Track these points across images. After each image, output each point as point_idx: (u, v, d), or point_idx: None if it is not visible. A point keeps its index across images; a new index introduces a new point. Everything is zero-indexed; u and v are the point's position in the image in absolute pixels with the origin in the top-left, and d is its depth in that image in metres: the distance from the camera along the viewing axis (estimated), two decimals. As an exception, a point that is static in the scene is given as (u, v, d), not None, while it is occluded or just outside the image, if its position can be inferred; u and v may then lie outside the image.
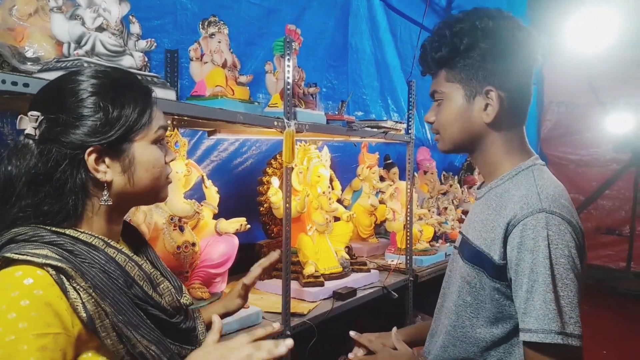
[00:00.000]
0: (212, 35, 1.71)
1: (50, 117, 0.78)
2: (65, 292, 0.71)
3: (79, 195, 0.79)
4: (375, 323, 1.59)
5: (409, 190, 2.55)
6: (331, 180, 2.36)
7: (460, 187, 3.64)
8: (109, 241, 0.81)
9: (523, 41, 0.98)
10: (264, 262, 1.21)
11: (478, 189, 1.13)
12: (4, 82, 0.96)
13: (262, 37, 2.57)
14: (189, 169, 1.66)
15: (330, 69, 3.21)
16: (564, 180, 1.02)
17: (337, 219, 2.35)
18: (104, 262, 0.77)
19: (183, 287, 0.96)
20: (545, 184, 0.95)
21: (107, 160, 0.81)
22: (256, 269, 1.19)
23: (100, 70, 0.85)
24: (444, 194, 3.37)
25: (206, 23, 1.72)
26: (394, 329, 1.25)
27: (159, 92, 1.24)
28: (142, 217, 1.52)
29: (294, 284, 1.98)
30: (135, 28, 1.29)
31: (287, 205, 1.73)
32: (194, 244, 1.64)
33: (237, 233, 1.78)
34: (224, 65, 1.70)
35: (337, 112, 2.32)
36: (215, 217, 1.80)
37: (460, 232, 1.13)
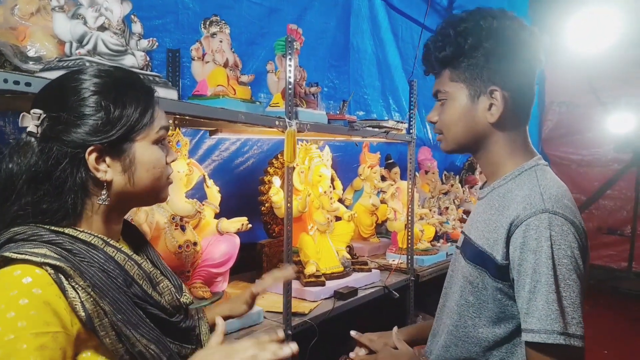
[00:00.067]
0: (213, 34, 1.71)
1: (52, 116, 0.78)
2: (63, 291, 0.71)
3: (78, 194, 0.79)
4: (376, 323, 1.59)
5: (410, 190, 2.55)
6: (332, 180, 2.36)
7: (462, 187, 3.64)
8: (108, 240, 0.81)
9: (527, 41, 0.98)
10: (278, 276, 1.22)
11: (480, 189, 1.12)
12: (5, 81, 0.96)
13: (264, 37, 2.57)
14: (190, 168, 1.66)
15: (332, 69, 3.21)
16: (566, 180, 1.02)
17: (338, 218, 2.35)
18: (103, 261, 0.76)
19: (183, 286, 0.96)
20: (548, 184, 0.95)
21: (107, 159, 0.81)
22: (268, 280, 1.21)
23: (103, 69, 0.85)
24: (445, 193, 3.37)
25: (208, 22, 1.72)
26: (395, 328, 1.25)
27: (160, 92, 1.23)
28: (144, 216, 1.52)
29: (295, 284, 1.98)
30: (137, 27, 1.30)
31: (289, 204, 1.73)
32: (195, 244, 1.64)
33: (238, 232, 1.78)
34: (225, 65, 1.70)
35: (338, 112, 2.32)
36: (217, 216, 1.80)
37: (462, 232, 1.13)
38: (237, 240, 1.77)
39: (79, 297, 0.71)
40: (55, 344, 0.67)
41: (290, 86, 1.70)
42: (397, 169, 3.12)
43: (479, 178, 3.89)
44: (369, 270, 2.36)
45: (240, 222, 1.77)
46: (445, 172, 3.64)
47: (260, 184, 2.25)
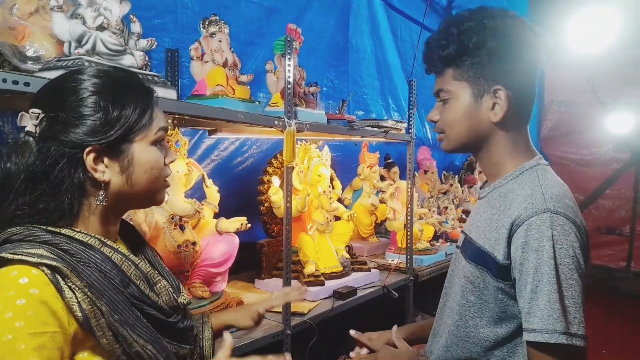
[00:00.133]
0: (212, 34, 1.71)
1: (51, 115, 0.77)
2: (60, 291, 0.70)
3: (75, 194, 0.79)
4: (375, 322, 1.59)
5: (409, 190, 2.55)
6: (332, 180, 2.36)
7: (461, 187, 3.64)
8: (105, 240, 0.81)
9: (530, 40, 0.98)
10: (290, 294, 1.23)
11: (481, 188, 1.12)
12: (4, 81, 0.96)
13: (263, 37, 2.57)
14: (189, 168, 1.66)
15: (331, 68, 3.21)
16: (565, 179, 1.02)
17: (337, 218, 2.35)
18: (99, 262, 0.76)
19: (181, 286, 0.96)
20: (549, 184, 0.95)
21: (105, 160, 0.81)
22: (279, 298, 1.22)
23: (102, 69, 0.85)
24: (445, 193, 3.37)
25: (207, 22, 1.72)
26: (395, 327, 1.25)
27: (159, 91, 1.23)
28: (143, 216, 1.52)
29: (294, 283, 1.98)
30: (136, 27, 1.29)
31: (288, 204, 1.73)
32: (194, 243, 1.64)
33: (237, 232, 1.78)
34: (224, 65, 1.70)
35: (337, 112, 2.32)
36: (216, 216, 1.80)
37: (462, 232, 1.13)
38: (237, 240, 1.77)
39: (76, 298, 0.71)
40: (53, 343, 0.67)
41: (289, 86, 1.70)
42: (396, 169, 3.12)
43: (478, 178, 3.89)
44: (368, 270, 2.36)
45: (239, 222, 1.77)
46: (444, 172, 3.64)
47: (260, 184, 2.25)
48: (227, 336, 0.89)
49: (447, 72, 1.02)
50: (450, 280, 1.12)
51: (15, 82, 0.97)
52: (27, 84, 0.98)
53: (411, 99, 2.52)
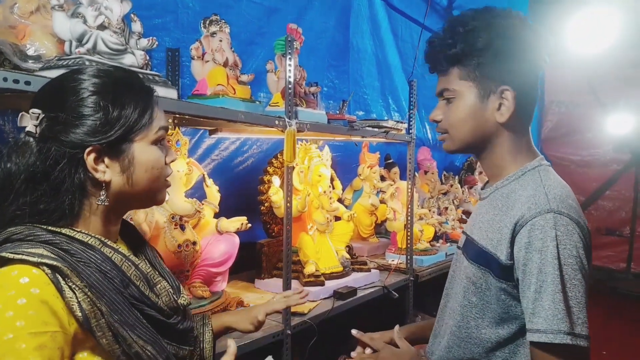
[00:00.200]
0: (213, 34, 1.71)
1: (51, 116, 0.77)
2: (60, 291, 0.70)
3: (76, 194, 0.79)
4: (375, 323, 1.59)
5: (409, 190, 2.55)
6: (332, 180, 2.36)
7: (461, 187, 3.64)
8: (105, 240, 0.80)
9: (534, 41, 0.98)
10: (291, 298, 1.25)
11: (482, 189, 1.12)
12: (5, 80, 0.96)
13: (264, 36, 2.57)
14: (190, 167, 1.66)
15: (332, 69, 3.21)
16: (565, 180, 1.02)
17: (337, 218, 2.35)
18: (100, 262, 0.76)
19: (181, 287, 0.96)
20: (552, 184, 0.95)
21: (106, 160, 0.80)
22: (280, 302, 1.22)
23: (102, 69, 0.85)
24: (445, 193, 3.37)
25: (207, 22, 1.72)
26: (397, 326, 1.24)
27: (160, 91, 1.23)
28: (143, 216, 1.52)
29: (294, 283, 1.98)
30: (136, 26, 1.29)
31: (288, 204, 1.73)
32: (194, 243, 1.64)
33: (237, 232, 1.78)
34: (225, 64, 1.70)
35: (338, 112, 2.32)
36: (216, 216, 1.80)
37: (463, 233, 1.13)
38: (237, 239, 1.77)
39: (76, 298, 0.71)
40: (54, 343, 0.67)
41: (290, 86, 1.70)
42: (396, 169, 3.12)
43: (478, 178, 3.89)
44: (368, 270, 2.36)
45: (239, 222, 1.77)
46: (444, 172, 3.65)
47: (260, 184, 2.25)
48: (231, 343, 0.89)
49: (453, 72, 1.01)
50: (452, 281, 1.12)
51: (16, 81, 0.97)
52: (27, 83, 0.98)
53: (412, 99, 2.52)
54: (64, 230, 0.77)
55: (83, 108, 0.78)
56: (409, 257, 2.54)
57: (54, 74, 0.92)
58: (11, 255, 0.70)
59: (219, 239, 1.73)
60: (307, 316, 1.82)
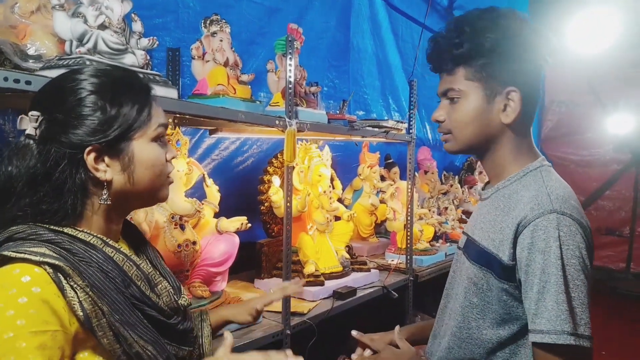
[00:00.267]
0: (214, 33, 1.71)
1: (50, 117, 0.77)
2: (62, 290, 0.70)
3: (77, 194, 0.79)
4: (375, 323, 1.59)
5: (409, 190, 2.55)
6: (332, 180, 2.36)
7: (461, 187, 3.64)
8: (107, 240, 0.81)
9: (538, 41, 0.98)
10: (288, 288, 1.25)
11: (482, 189, 1.12)
12: (6, 79, 0.96)
13: (264, 36, 2.57)
14: (190, 167, 1.66)
15: (332, 68, 3.21)
16: (565, 180, 1.02)
17: (337, 218, 2.35)
18: (101, 261, 0.76)
19: (182, 287, 0.96)
20: (554, 185, 0.95)
21: (106, 159, 0.81)
22: (277, 294, 1.22)
23: (100, 68, 0.85)
24: (445, 193, 3.37)
25: (208, 21, 1.72)
26: (397, 327, 1.24)
27: (160, 91, 1.24)
28: (143, 215, 1.52)
29: (292, 280, 1.98)
30: (137, 26, 1.29)
31: (288, 204, 1.73)
32: (194, 243, 1.64)
33: (237, 232, 1.78)
34: (225, 64, 1.70)
35: (338, 112, 2.32)
36: (216, 215, 1.80)
37: (464, 233, 1.13)
38: (237, 239, 1.77)
39: (77, 297, 0.71)
40: (55, 342, 0.67)
41: (290, 85, 1.70)
42: (396, 169, 3.12)
43: (478, 178, 3.89)
44: (368, 270, 2.36)
45: (239, 222, 1.77)
46: (444, 172, 3.64)
47: (260, 184, 2.25)
48: (228, 335, 0.88)
49: (458, 72, 1.00)
50: (452, 281, 1.12)
51: (17, 81, 0.97)
52: (28, 83, 0.98)
53: (412, 99, 2.52)
54: (66, 230, 0.77)
55: (81, 108, 0.78)
56: (408, 257, 2.54)
57: (54, 73, 0.91)
58: (13, 254, 0.70)
59: (218, 239, 1.73)
60: (306, 316, 1.82)
